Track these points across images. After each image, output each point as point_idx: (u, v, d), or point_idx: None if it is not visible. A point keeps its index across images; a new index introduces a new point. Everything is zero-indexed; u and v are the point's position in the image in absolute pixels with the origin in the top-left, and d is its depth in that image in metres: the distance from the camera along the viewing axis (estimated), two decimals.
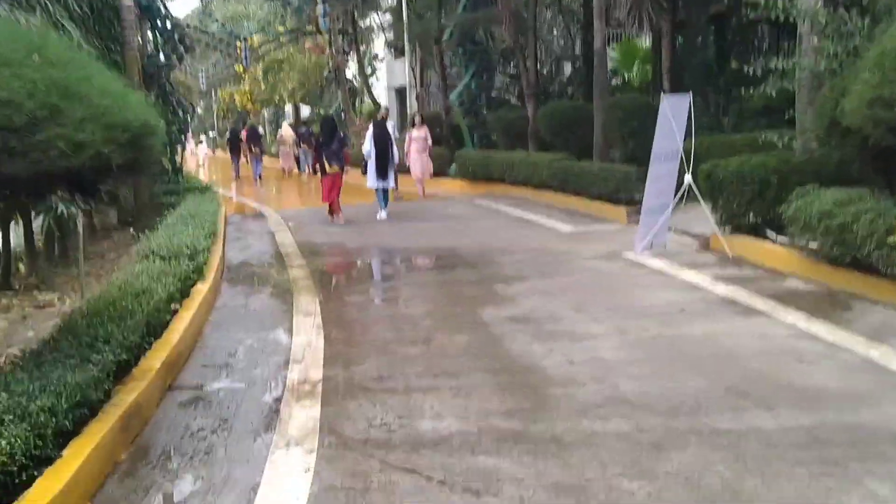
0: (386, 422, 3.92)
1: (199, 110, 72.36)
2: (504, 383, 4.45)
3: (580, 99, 17.00)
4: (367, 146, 12.83)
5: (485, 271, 8.00)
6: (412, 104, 24.41)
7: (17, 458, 2.91)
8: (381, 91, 35.48)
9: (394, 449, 3.60)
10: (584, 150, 14.34)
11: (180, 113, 16.04)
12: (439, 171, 16.37)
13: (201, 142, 37.97)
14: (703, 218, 8.48)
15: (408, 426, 3.86)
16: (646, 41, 23.71)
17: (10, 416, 3.12)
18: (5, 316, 6.01)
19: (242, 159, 26.19)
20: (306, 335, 5.60)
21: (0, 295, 6.71)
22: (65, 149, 3.34)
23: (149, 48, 15.10)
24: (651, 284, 7.05)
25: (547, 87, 19.18)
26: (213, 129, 54.42)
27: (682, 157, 8.50)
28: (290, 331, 5.81)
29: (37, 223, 8.09)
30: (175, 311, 5.44)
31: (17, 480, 2.89)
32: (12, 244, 7.53)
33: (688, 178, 8.48)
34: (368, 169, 12.80)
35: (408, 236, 10.88)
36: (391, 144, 12.89)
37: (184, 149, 16.61)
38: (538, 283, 7.24)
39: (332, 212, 12.22)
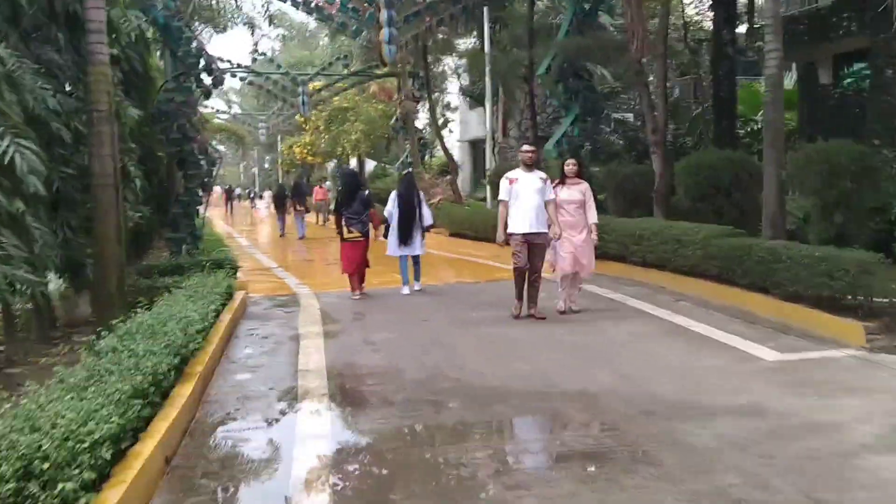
0: None
1: (266, 164, 71.04)
2: None
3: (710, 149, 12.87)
4: (390, 206, 10.55)
5: (684, 481, 3.90)
6: (490, 157, 20.62)
7: None
8: (454, 144, 32.25)
9: None
10: (738, 220, 10.22)
11: (204, 164, 12.65)
12: None
13: (261, 198, 35.92)
14: None
15: None
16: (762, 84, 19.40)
17: None
18: None
19: (289, 218, 24.12)
20: None
21: None
22: None
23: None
24: None
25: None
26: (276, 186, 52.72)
27: None
28: None
29: None
30: None
31: None
32: None
33: None
34: (390, 234, 10.51)
35: (501, 358, 6.69)
36: (420, 205, 10.51)
37: (205, 204, 13.19)
38: None
39: (353, 286, 10.28)
